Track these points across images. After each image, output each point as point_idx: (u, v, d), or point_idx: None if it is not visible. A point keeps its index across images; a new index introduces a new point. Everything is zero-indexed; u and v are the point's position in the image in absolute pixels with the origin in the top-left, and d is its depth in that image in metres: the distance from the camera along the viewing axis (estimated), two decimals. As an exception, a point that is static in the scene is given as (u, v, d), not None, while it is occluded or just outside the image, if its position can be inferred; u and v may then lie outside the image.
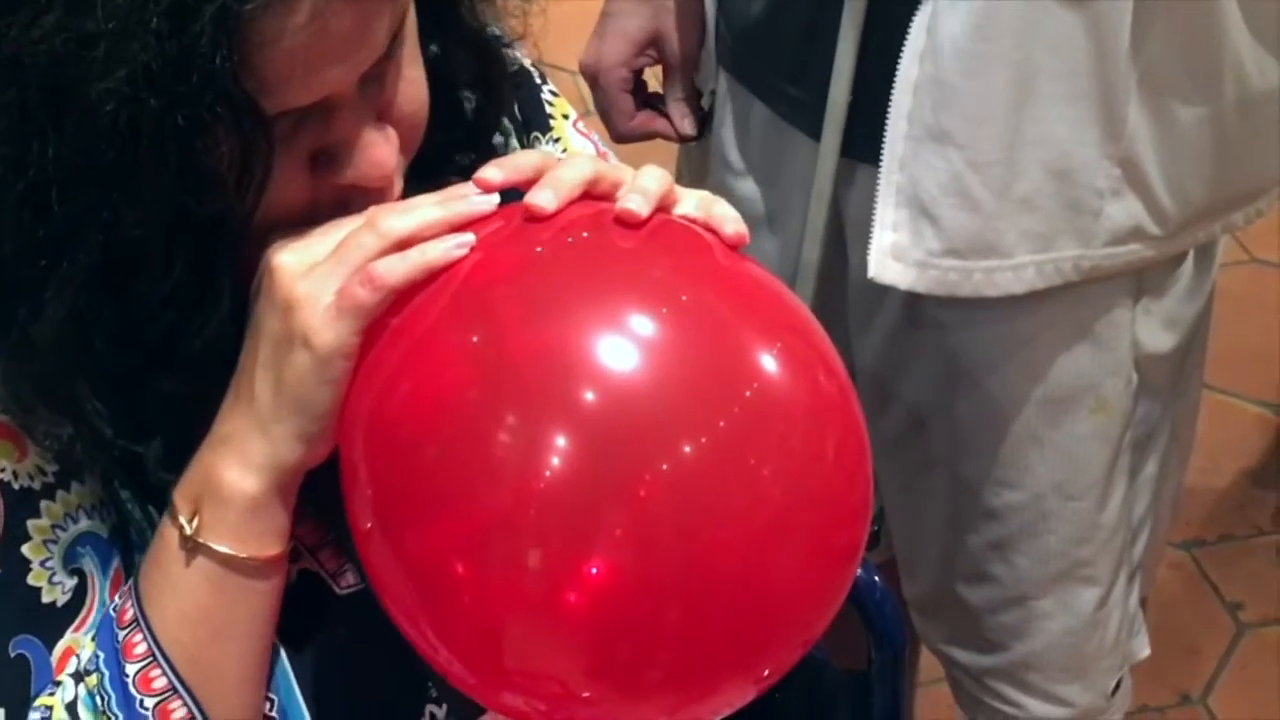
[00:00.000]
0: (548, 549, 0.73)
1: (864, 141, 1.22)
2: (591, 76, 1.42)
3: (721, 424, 0.75)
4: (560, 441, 0.73)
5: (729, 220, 0.82)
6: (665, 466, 0.74)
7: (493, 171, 0.81)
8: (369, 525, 0.78)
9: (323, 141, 0.80)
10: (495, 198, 0.81)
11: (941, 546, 1.41)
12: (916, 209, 1.19)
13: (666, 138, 1.45)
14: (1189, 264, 1.31)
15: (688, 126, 1.42)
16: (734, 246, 0.82)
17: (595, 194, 0.81)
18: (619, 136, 1.44)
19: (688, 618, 0.75)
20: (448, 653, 0.78)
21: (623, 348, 0.75)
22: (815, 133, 1.27)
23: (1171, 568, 2.17)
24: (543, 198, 0.79)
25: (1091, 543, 1.35)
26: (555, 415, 0.74)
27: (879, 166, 1.20)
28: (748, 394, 0.76)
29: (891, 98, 1.17)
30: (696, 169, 1.47)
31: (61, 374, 0.80)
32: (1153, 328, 1.31)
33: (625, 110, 1.43)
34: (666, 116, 1.43)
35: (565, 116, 1.05)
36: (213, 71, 0.71)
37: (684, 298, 0.78)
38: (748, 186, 1.38)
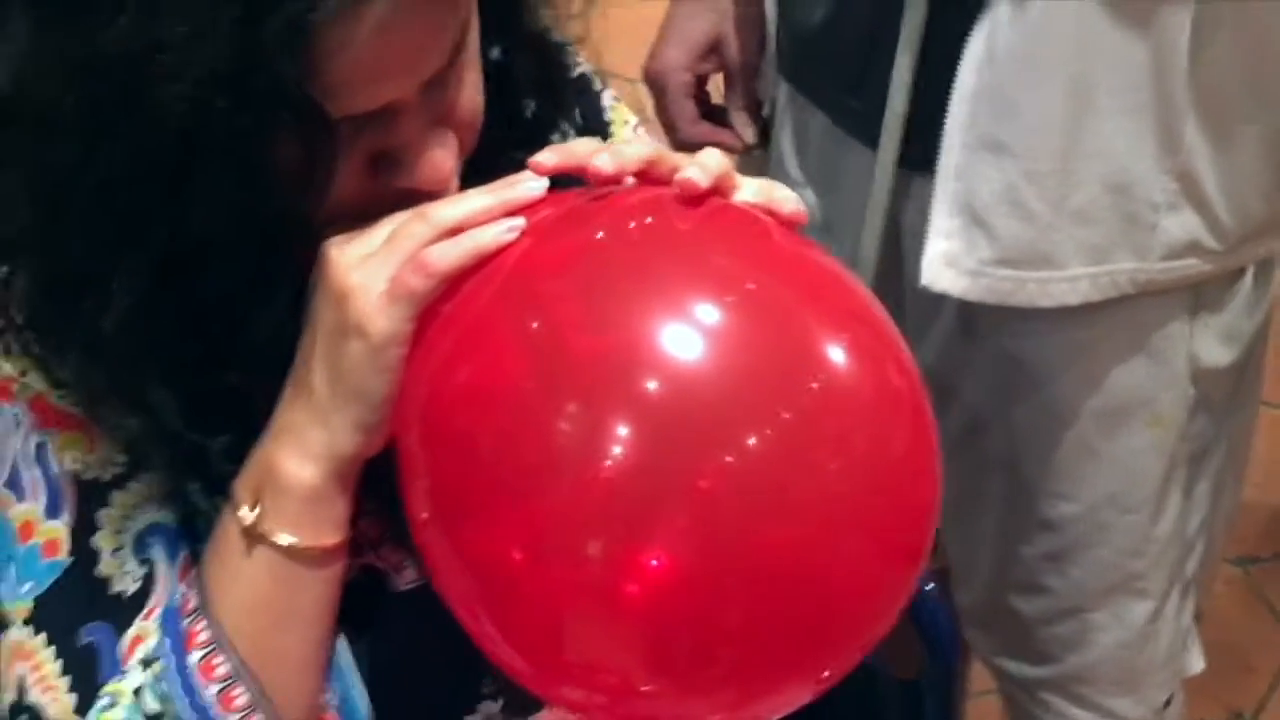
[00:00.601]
0: (608, 540, 0.72)
1: (920, 152, 1.23)
2: (656, 81, 1.43)
3: (786, 416, 0.74)
4: (621, 430, 0.72)
5: (788, 200, 0.83)
6: (729, 458, 0.72)
7: (547, 155, 0.82)
8: (426, 515, 0.78)
9: (384, 145, 0.81)
10: (545, 182, 0.81)
11: (996, 556, 1.41)
12: (970, 217, 1.19)
13: (728, 148, 1.45)
14: (1248, 279, 1.31)
15: (750, 135, 1.43)
16: (792, 225, 0.82)
17: (654, 175, 0.82)
18: (680, 143, 1.44)
19: (749, 613, 0.74)
20: (507, 645, 0.77)
21: (685, 335, 0.74)
22: (873, 143, 1.27)
23: (1225, 584, 2.15)
24: (601, 160, 0.80)
25: (1145, 556, 1.35)
26: (616, 404, 0.73)
27: (934, 176, 1.20)
28: (814, 385, 0.75)
29: (949, 108, 1.18)
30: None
31: (130, 366, 0.82)
32: (1210, 342, 1.31)
33: (688, 115, 1.43)
34: (729, 127, 1.44)
35: (626, 122, 1.05)
36: (280, 77, 0.73)
37: (749, 285, 0.77)
38: (806, 196, 1.39)
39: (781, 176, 1.41)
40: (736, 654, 0.75)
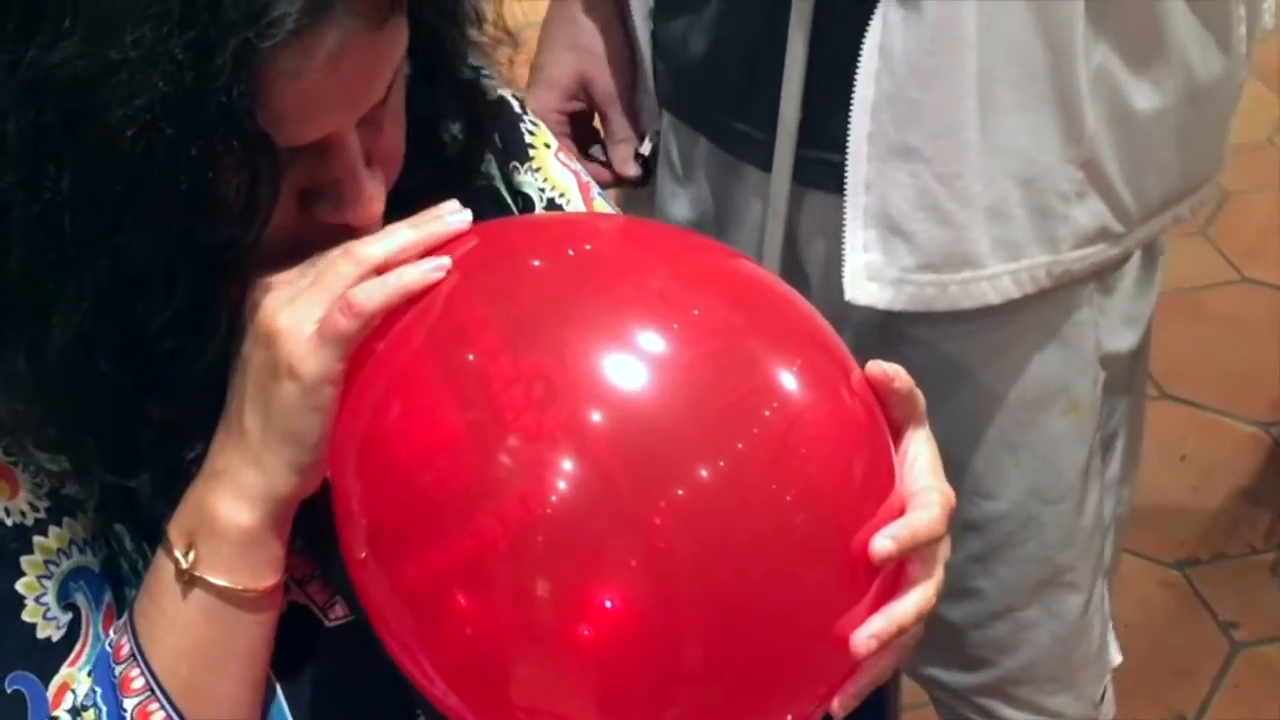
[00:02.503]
0: (557, 580, 0.70)
1: (816, 166, 1.22)
2: None
3: (740, 446, 0.72)
4: (566, 465, 0.70)
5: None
6: (680, 492, 0.70)
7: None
8: (363, 554, 0.76)
9: (315, 179, 0.82)
10: (468, 215, 0.82)
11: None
12: (887, 227, 1.18)
13: (606, 185, 1.43)
14: (1135, 260, 1.32)
15: (630, 169, 1.41)
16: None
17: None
18: None
19: (708, 654, 0.72)
20: (445, 685, 0.75)
21: (629, 365, 0.73)
22: (764, 164, 1.26)
23: (1165, 587, 2.17)
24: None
25: (1073, 546, 1.35)
26: (559, 439, 0.71)
27: (833, 191, 1.19)
28: (767, 414, 0.73)
29: (850, 120, 1.16)
30: (643, 214, 1.45)
31: (55, 407, 0.81)
32: (1113, 326, 1.31)
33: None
34: (608, 165, 1.42)
35: (547, 146, 1.06)
36: (229, 104, 0.73)
37: (694, 310, 0.75)
38: (696, 223, 1.37)
39: (668, 206, 1.39)
40: (695, 696, 0.73)
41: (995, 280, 1.20)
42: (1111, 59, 1.16)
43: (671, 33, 1.31)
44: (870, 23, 1.14)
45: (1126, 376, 1.36)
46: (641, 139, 1.42)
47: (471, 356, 0.74)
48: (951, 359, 1.28)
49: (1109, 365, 1.32)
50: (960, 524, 1.33)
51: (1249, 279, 2.57)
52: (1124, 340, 1.32)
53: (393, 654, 0.77)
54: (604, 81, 1.39)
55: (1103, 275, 1.27)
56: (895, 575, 0.78)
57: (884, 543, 0.75)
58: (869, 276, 1.19)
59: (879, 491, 0.76)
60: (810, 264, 1.30)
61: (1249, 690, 2.06)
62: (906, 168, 1.16)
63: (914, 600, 0.79)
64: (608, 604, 0.70)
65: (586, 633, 0.70)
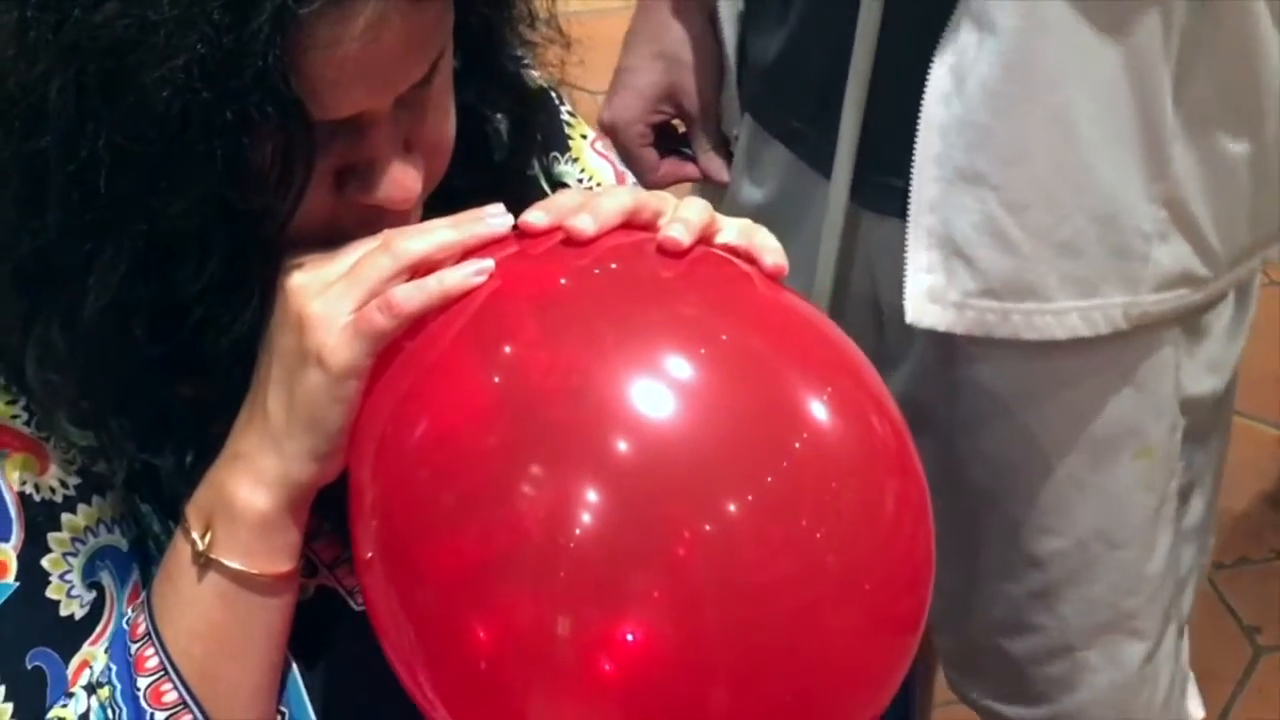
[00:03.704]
0: (579, 614, 0.68)
1: (880, 189, 1.20)
2: (610, 132, 1.40)
3: (768, 479, 0.70)
4: (591, 496, 0.68)
5: (769, 251, 0.82)
6: (707, 526, 0.68)
7: (537, 215, 0.81)
8: (370, 555, 0.75)
9: (351, 158, 0.81)
10: (510, 219, 0.81)
11: (981, 595, 1.37)
12: (950, 250, 1.16)
13: (697, 180, 1.42)
14: (1230, 303, 1.28)
15: (722, 175, 1.39)
16: (774, 277, 0.81)
17: (636, 224, 0.82)
18: (646, 188, 1.40)
19: (733, 694, 0.69)
20: (447, 712, 0.73)
21: (660, 392, 0.71)
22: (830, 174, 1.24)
23: (1189, 590, 2.15)
24: (582, 222, 0.79)
25: (1138, 594, 1.32)
26: (585, 467, 0.69)
27: (896, 215, 1.17)
28: (796, 445, 0.71)
29: (917, 140, 1.14)
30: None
31: (87, 378, 0.81)
32: (1197, 371, 1.28)
33: (648, 163, 1.41)
34: (695, 163, 1.41)
35: (584, 137, 1.06)
36: (265, 69, 0.73)
37: (724, 337, 0.74)
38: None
39: (737, 202, 1.38)
40: None
41: (1062, 316, 1.17)
42: (1204, 98, 1.13)
43: (757, 39, 1.30)
44: (941, 43, 1.11)
45: (1210, 422, 1.33)
46: (726, 144, 1.40)
47: (505, 373, 0.73)
48: (1018, 386, 1.25)
49: (1190, 410, 1.29)
50: (1024, 557, 1.32)
51: (1275, 281, 2.55)
52: (1207, 384, 1.29)
53: (390, 661, 0.76)
54: (693, 91, 1.37)
55: (1186, 319, 1.24)
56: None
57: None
58: (931, 299, 1.17)
59: (909, 525, 0.74)
60: (879, 278, 1.28)
61: (1272, 694, 2.04)
62: (973, 193, 1.14)
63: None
64: (630, 637, 0.68)
65: (608, 668, 0.68)
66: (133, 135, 0.74)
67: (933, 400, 1.29)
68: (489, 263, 0.78)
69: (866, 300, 1.30)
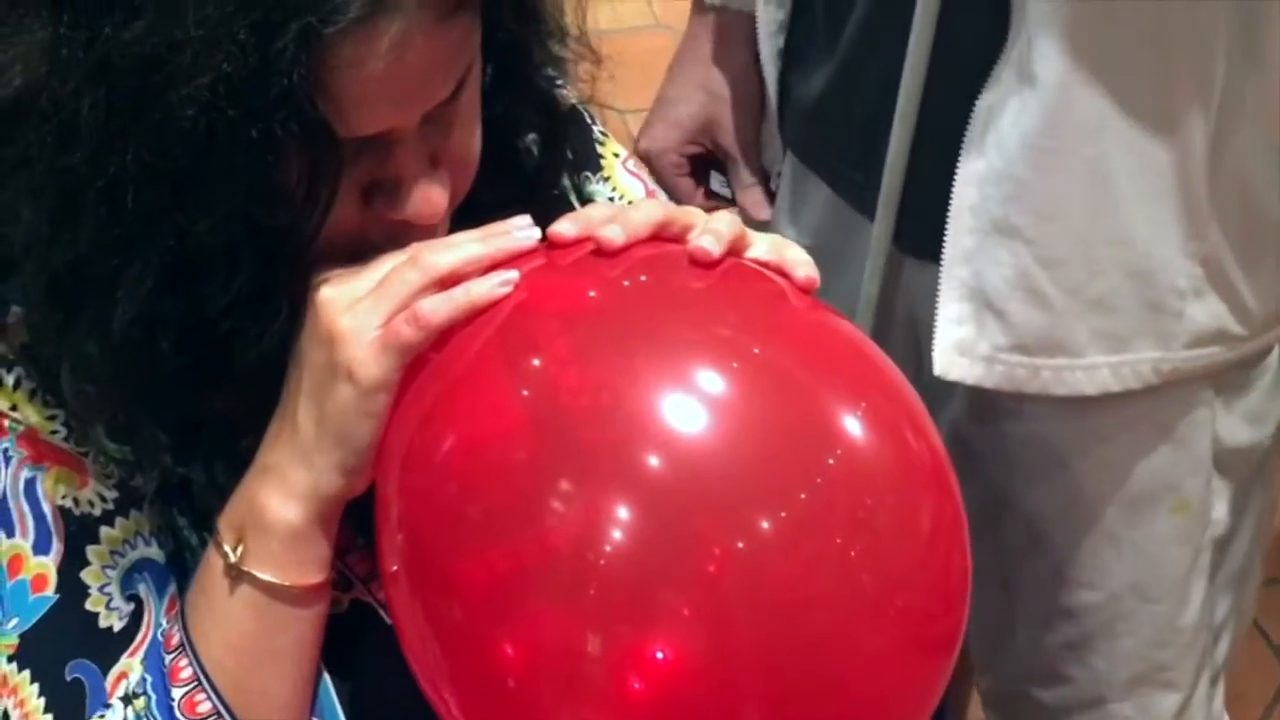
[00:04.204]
0: (608, 631, 0.68)
1: (920, 234, 1.19)
2: (646, 160, 1.40)
3: (802, 496, 0.69)
4: (621, 512, 0.68)
5: (800, 264, 0.82)
6: (740, 543, 0.67)
7: (566, 225, 0.82)
8: (395, 569, 0.75)
9: (378, 174, 0.82)
10: (537, 232, 0.82)
11: (1016, 643, 1.36)
12: (981, 303, 1.15)
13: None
14: (1273, 358, 1.26)
15: (762, 212, 1.39)
16: (806, 290, 0.80)
17: (666, 237, 0.82)
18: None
19: (765, 714, 0.69)
20: None
21: (691, 407, 0.70)
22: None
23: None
24: (611, 231, 0.80)
25: (1171, 646, 1.30)
26: (615, 482, 0.68)
27: (934, 261, 1.16)
28: (830, 461, 0.70)
29: (954, 189, 1.13)
30: None
31: (122, 389, 0.83)
32: (1234, 424, 1.26)
33: (683, 193, 1.40)
34: (733, 199, 1.40)
35: (615, 155, 1.06)
36: (290, 88, 0.73)
37: (756, 351, 0.73)
38: None
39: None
40: None
41: (1092, 371, 1.16)
42: (1245, 156, 1.11)
43: (801, 77, 1.29)
44: (983, 92, 1.10)
45: (1252, 472, 1.31)
46: (766, 179, 1.39)
47: (534, 386, 0.73)
48: (1051, 442, 1.24)
49: (1229, 461, 1.27)
50: (1057, 609, 1.31)
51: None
52: (1246, 436, 1.27)
53: (418, 679, 0.76)
54: (731, 127, 1.37)
55: (1222, 376, 1.22)
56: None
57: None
58: (960, 352, 1.16)
59: (945, 543, 0.73)
60: (923, 336, 1.26)
61: (1303, 715, 2.00)
62: (1007, 246, 1.12)
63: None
64: (659, 655, 0.67)
65: (638, 687, 0.68)
66: (160, 152, 0.75)
67: (969, 454, 1.28)
68: (514, 274, 0.78)
69: (908, 346, 1.29)
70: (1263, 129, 1.11)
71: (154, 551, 0.88)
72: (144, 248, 0.78)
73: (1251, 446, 1.29)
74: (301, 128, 0.75)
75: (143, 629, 0.87)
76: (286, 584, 0.82)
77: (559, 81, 0.97)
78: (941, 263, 1.15)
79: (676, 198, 1.40)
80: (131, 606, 0.87)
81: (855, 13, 1.21)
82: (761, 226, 1.37)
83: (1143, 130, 1.09)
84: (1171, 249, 1.13)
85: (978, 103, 1.11)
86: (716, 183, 1.41)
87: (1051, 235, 1.12)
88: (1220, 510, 1.30)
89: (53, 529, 0.86)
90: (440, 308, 0.78)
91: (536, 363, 0.73)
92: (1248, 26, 1.07)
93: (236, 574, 0.82)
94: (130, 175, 0.76)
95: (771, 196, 1.40)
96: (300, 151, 0.76)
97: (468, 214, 0.86)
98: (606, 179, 1.05)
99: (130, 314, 0.79)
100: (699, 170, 1.41)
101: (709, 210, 1.39)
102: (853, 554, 0.69)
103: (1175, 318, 1.15)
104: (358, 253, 0.82)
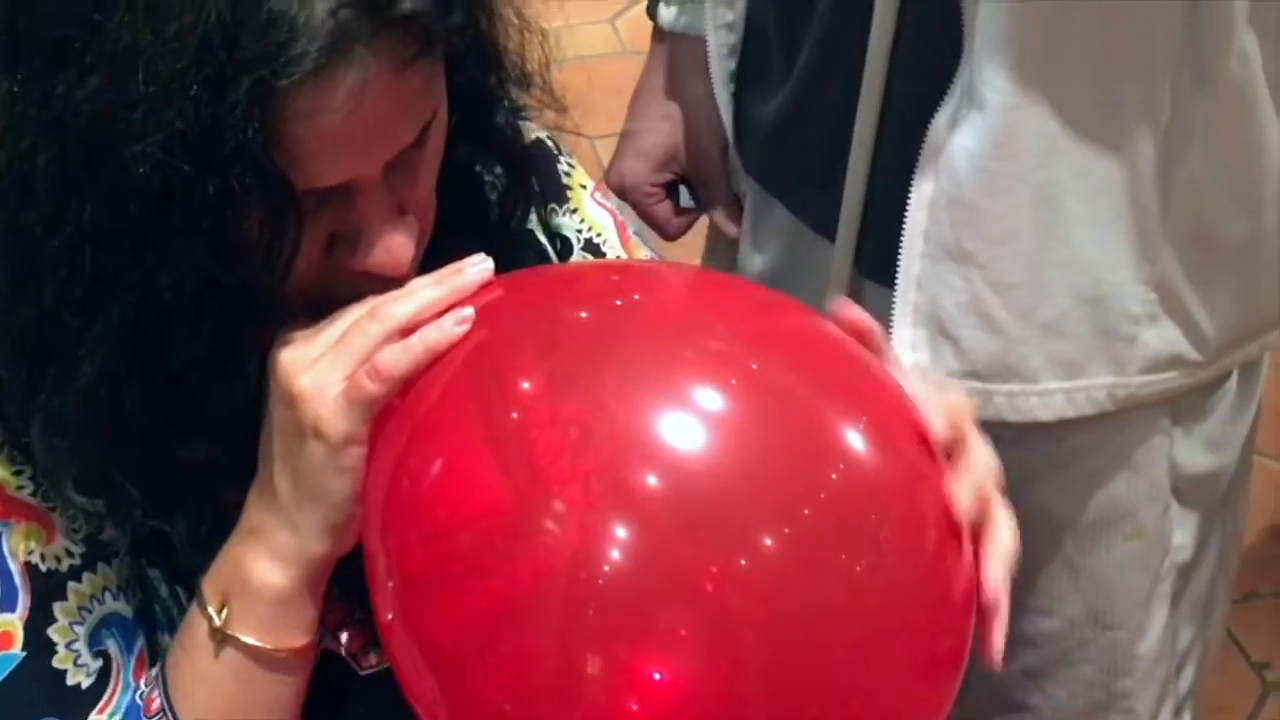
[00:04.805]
0: (608, 655, 0.66)
1: (878, 258, 1.18)
2: (619, 193, 1.40)
3: (805, 512, 0.67)
4: (614, 534, 0.66)
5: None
6: (741, 561, 0.66)
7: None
8: (391, 617, 0.74)
9: (342, 224, 0.81)
10: (489, 265, 0.81)
11: (976, 671, 1.34)
12: (935, 328, 1.14)
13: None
14: (1232, 384, 1.26)
15: (733, 229, 1.38)
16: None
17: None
18: (668, 240, 1.42)
19: None
20: None
21: (682, 424, 0.68)
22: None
23: (1196, 625, 2.12)
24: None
25: (1131, 674, 1.29)
26: (608, 502, 0.67)
27: (890, 285, 1.15)
28: (833, 476, 0.69)
29: (907, 214, 1.12)
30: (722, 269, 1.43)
31: (92, 444, 0.82)
32: (1194, 449, 1.25)
33: (663, 220, 1.41)
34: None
35: (583, 187, 1.05)
36: (245, 143, 0.73)
37: (752, 364, 0.71)
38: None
39: (745, 266, 1.36)
40: None
41: (1047, 397, 1.15)
42: (1198, 182, 1.10)
43: (757, 101, 1.29)
44: (935, 117, 1.09)
45: (1213, 497, 1.30)
46: (738, 201, 1.39)
47: (504, 402, 0.72)
48: (1007, 468, 1.22)
49: (1189, 487, 1.26)
50: (1016, 636, 1.28)
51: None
52: (1206, 462, 1.26)
53: None
54: (698, 152, 1.36)
55: (1184, 399, 1.21)
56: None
57: (995, 578, 0.75)
58: None
59: (951, 556, 0.72)
60: None
61: (1283, 731, 2.00)
62: (959, 271, 1.11)
63: (1004, 528, 0.79)
64: (657, 676, 0.66)
65: (636, 708, 0.66)
66: (117, 211, 0.74)
67: None
68: (469, 311, 0.78)
69: None
70: (1214, 153, 1.10)
71: (122, 605, 0.87)
72: (105, 306, 0.78)
73: (1212, 473, 1.28)
74: (259, 182, 0.74)
75: (111, 685, 0.86)
76: (271, 648, 0.82)
77: (523, 114, 0.97)
78: (895, 288, 1.14)
79: (655, 226, 1.40)
80: (99, 663, 0.86)
81: (809, 36, 1.20)
82: (729, 246, 1.39)
83: (1092, 154, 1.08)
84: (1124, 273, 1.12)
85: (930, 126, 1.09)
86: (685, 197, 1.41)
87: (1002, 259, 1.11)
88: (1182, 537, 1.29)
89: (19, 586, 0.84)
90: (400, 359, 0.78)
91: (503, 397, 0.72)
92: (1196, 51, 1.06)
93: (221, 637, 0.81)
94: (88, 234, 0.75)
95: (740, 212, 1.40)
96: (259, 205, 0.76)
97: (432, 258, 0.86)
98: (574, 211, 1.04)
99: (95, 371, 0.79)
100: (673, 193, 1.41)
101: (688, 222, 1.39)
102: (858, 569, 0.68)
103: (1129, 343, 1.14)
104: (323, 303, 0.82)
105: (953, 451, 0.77)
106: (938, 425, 0.76)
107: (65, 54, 0.74)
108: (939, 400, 0.78)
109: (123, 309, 0.78)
